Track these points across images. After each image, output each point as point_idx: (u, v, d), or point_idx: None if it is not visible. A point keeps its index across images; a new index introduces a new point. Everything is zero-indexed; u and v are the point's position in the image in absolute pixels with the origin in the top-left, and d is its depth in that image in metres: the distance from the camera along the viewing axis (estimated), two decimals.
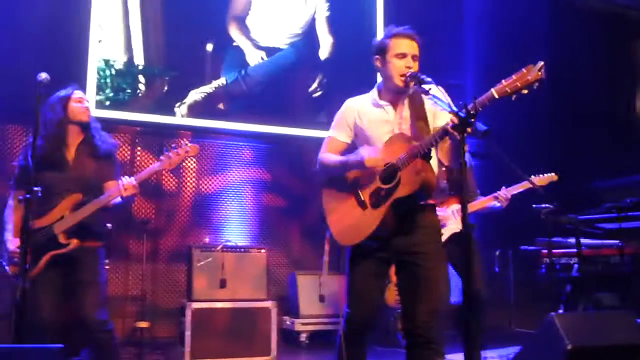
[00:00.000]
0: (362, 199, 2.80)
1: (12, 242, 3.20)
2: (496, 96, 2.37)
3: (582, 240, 4.59)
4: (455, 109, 2.37)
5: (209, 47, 6.03)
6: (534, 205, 4.51)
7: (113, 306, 5.07)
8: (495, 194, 4.31)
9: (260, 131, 6.13)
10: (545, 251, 4.73)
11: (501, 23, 6.98)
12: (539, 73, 2.30)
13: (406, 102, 2.85)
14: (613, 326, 2.66)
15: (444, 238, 4.03)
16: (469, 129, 2.30)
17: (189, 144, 3.34)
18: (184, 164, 5.92)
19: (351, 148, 3.00)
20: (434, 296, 2.74)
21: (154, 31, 5.85)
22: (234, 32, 6.17)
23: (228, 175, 6.16)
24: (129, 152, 5.79)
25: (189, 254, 5.17)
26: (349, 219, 2.84)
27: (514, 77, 2.35)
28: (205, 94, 5.97)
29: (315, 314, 5.60)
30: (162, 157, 3.29)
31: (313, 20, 6.55)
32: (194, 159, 5.98)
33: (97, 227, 3.36)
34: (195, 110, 5.89)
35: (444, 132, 2.52)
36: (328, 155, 2.96)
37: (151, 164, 3.29)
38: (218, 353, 4.81)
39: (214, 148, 6.14)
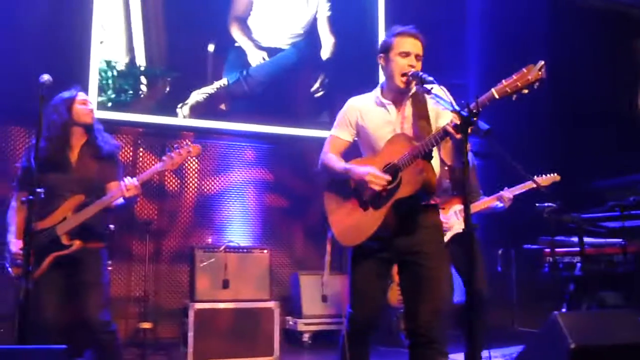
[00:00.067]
0: (364, 199, 2.80)
1: (15, 244, 3.20)
2: (497, 96, 2.37)
3: (585, 239, 4.58)
4: (457, 108, 2.37)
5: (211, 47, 6.03)
6: (536, 204, 4.50)
7: (116, 307, 5.07)
8: (498, 195, 4.30)
9: (262, 131, 6.13)
10: (548, 250, 4.73)
11: (503, 22, 6.97)
12: (540, 72, 2.29)
13: (409, 101, 2.85)
14: (616, 325, 2.66)
15: (446, 238, 4.04)
16: (470, 128, 2.30)
17: (191, 144, 3.34)
18: (186, 164, 5.93)
19: (353, 147, 3.00)
20: (436, 296, 2.74)
21: (156, 32, 5.86)
22: (235, 32, 6.17)
23: (230, 176, 6.16)
24: (131, 153, 5.79)
25: (191, 254, 5.18)
26: (350, 220, 2.84)
27: (514, 77, 2.35)
28: (207, 94, 5.97)
29: (317, 314, 5.60)
30: (164, 158, 3.29)
31: (314, 20, 6.56)
32: (196, 160, 5.98)
33: (100, 228, 3.36)
34: (197, 111, 5.90)
35: (444, 132, 2.52)
36: (331, 158, 2.96)
37: (154, 165, 3.29)
38: (221, 353, 4.82)
39: (216, 149, 6.14)
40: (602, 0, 6.98)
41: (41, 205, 2.94)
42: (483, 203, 4.32)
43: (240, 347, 4.90)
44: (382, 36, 6.64)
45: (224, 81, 6.06)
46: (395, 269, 2.92)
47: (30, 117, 3.20)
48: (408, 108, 2.85)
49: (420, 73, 2.67)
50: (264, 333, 5.01)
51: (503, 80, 2.37)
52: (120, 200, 3.25)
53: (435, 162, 2.76)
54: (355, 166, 2.83)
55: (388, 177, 2.70)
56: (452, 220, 4.20)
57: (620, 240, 4.55)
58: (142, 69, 5.76)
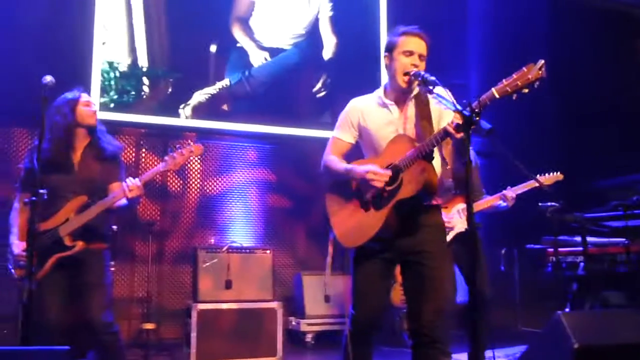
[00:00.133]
0: (365, 200, 2.80)
1: (18, 246, 3.20)
2: (497, 95, 2.37)
3: (588, 239, 4.58)
4: (459, 107, 2.37)
5: (213, 48, 6.04)
6: (539, 204, 4.49)
7: (119, 308, 5.08)
8: (501, 194, 4.30)
9: (264, 132, 6.13)
10: (551, 250, 4.72)
11: (504, 23, 6.96)
12: (540, 72, 2.29)
13: (411, 102, 2.85)
14: (620, 324, 2.65)
15: (449, 237, 4.04)
16: (473, 128, 2.30)
17: (193, 144, 3.34)
18: (188, 165, 5.93)
19: (355, 148, 3.00)
20: (439, 295, 2.73)
21: (158, 33, 5.87)
22: (237, 33, 6.17)
23: (233, 176, 6.17)
24: (133, 154, 5.80)
25: (194, 255, 5.18)
26: (352, 221, 2.84)
27: (514, 76, 2.34)
28: (209, 95, 5.97)
29: (321, 315, 5.59)
30: (166, 158, 3.29)
31: (316, 20, 6.55)
32: (198, 160, 5.99)
33: (103, 229, 3.36)
34: (200, 111, 5.90)
35: (445, 133, 2.52)
36: (333, 160, 2.95)
37: (156, 165, 3.29)
38: (224, 354, 4.82)
39: (218, 149, 6.14)
40: (603, 0, 6.97)
41: (44, 207, 2.94)
42: (486, 202, 4.31)
43: (243, 347, 4.90)
44: (384, 36, 6.64)
45: (226, 82, 6.06)
46: (398, 269, 2.91)
47: (33, 118, 3.20)
48: (410, 108, 2.84)
49: (423, 73, 2.67)
50: (266, 333, 5.01)
51: (503, 80, 2.37)
52: (123, 201, 3.25)
53: (437, 163, 2.76)
54: (355, 166, 2.83)
55: (389, 173, 2.70)
56: (455, 219, 4.19)
57: (624, 239, 4.54)
58: (145, 69, 5.77)
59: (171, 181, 5.92)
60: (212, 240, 5.72)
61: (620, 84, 6.46)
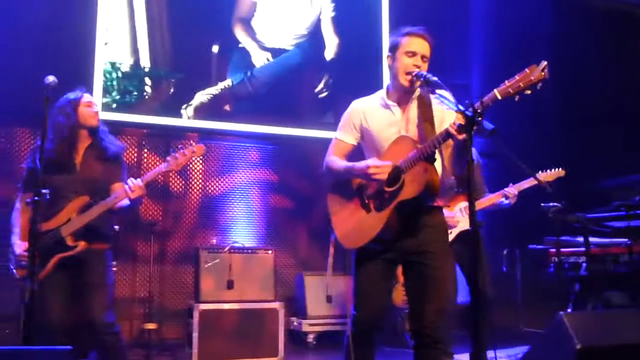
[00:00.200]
0: (366, 201, 2.79)
1: (20, 246, 3.21)
2: (499, 97, 2.36)
3: (591, 239, 4.57)
4: (461, 108, 2.36)
5: (215, 48, 6.04)
6: (542, 204, 4.49)
7: (121, 308, 5.08)
8: (503, 191, 4.29)
9: (266, 132, 6.13)
10: (553, 250, 4.71)
11: (507, 23, 6.96)
12: (542, 73, 2.28)
13: (414, 103, 2.84)
14: (623, 325, 2.64)
15: (451, 237, 4.03)
16: (475, 128, 2.29)
17: (195, 145, 3.34)
18: (190, 165, 5.93)
19: (358, 149, 3.00)
20: (441, 295, 2.73)
21: (160, 33, 5.87)
22: (239, 33, 6.17)
23: (235, 177, 6.17)
24: (136, 154, 5.80)
25: (196, 255, 5.18)
26: (353, 222, 2.83)
27: (516, 77, 2.34)
28: (212, 95, 5.97)
29: (322, 315, 5.59)
30: (168, 158, 3.29)
31: (318, 20, 6.55)
32: (200, 161, 6.00)
33: (105, 229, 3.36)
34: (202, 111, 5.90)
35: (446, 134, 2.51)
36: (334, 160, 2.95)
37: (158, 165, 3.29)
38: (226, 354, 4.82)
39: (220, 149, 6.15)
40: (607, 1, 6.96)
41: (46, 207, 2.94)
42: (488, 200, 4.31)
43: (244, 347, 4.90)
44: (386, 37, 6.64)
45: (228, 82, 6.06)
46: (399, 269, 2.91)
47: (35, 118, 3.21)
48: (413, 110, 2.84)
49: (425, 73, 2.66)
50: (268, 334, 5.01)
51: (506, 81, 2.37)
52: (125, 202, 3.25)
53: (439, 164, 2.76)
54: (355, 163, 2.82)
55: (389, 164, 2.69)
56: (458, 217, 4.19)
57: (626, 239, 4.53)
58: (147, 70, 5.77)
59: (173, 181, 5.92)
60: (214, 241, 5.72)
61: (624, 84, 6.45)
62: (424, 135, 2.74)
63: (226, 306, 4.99)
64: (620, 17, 6.90)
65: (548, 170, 4.44)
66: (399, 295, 5.18)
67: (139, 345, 4.96)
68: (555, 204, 4.42)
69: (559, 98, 6.29)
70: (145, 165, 5.80)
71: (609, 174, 5.80)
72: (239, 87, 6.11)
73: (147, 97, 5.76)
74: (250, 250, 5.37)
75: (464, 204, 4.24)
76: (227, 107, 6.06)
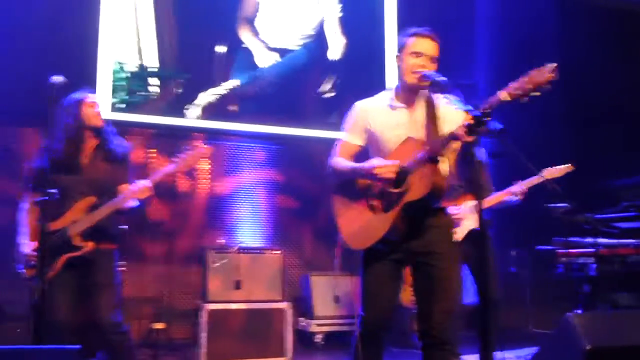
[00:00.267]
0: (372, 203, 2.78)
1: (27, 246, 3.22)
2: (508, 98, 2.35)
3: (599, 240, 4.55)
4: (470, 108, 2.35)
5: (222, 49, 6.04)
6: (550, 205, 4.47)
7: (128, 308, 5.08)
8: (510, 188, 4.27)
9: (272, 132, 6.13)
10: (562, 251, 4.69)
11: (513, 22, 6.93)
12: (551, 74, 2.27)
13: (421, 105, 2.83)
14: (632, 326, 2.63)
15: (460, 236, 4.02)
16: (483, 129, 2.29)
17: (203, 146, 3.35)
18: (197, 165, 5.94)
19: (363, 150, 2.99)
20: (449, 296, 2.72)
21: (167, 34, 5.88)
22: (244, 33, 6.18)
23: (241, 177, 6.17)
24: (142, 155, 5.81)
25: (204, 255, 5.19)
26: (359, 223, 2.82)
27: (525, 78, 2.32)
28: (218, 95, 5.98)
29: (330, 315, 5.59)
30: (175, 159, 3.30)
31: (325, 21, 6.55)
32: (207, 161, 6.00)
33: (112, 229, 3.38)
34: (208, 112, 5.91)
35: (454, 136, 2.50)
36: (339, 161, 2.94)
37: (165, 166, 3.29)
38: (233, 354, 4.82)
39: (226, 150, 6.15)
40: (613, 0, 6.93)
41: (53, 207, 2.95)
42: (495, 197, 4.29)
43: (252, 347, 4.90)
44: (392, 37, 6.63)
45: (234, 82, 6.07)
46: (407, 269, 2.90)
47: (42, 118, 3.21)
48: (419, 111, 2.83)
49: (433, 74, 2.66)
50: (276, 334, 5.01)
51: (514, 82, 2.35)
52: (133, 202, 3.26)
53: (445, 166, 2.75)
54: (361, 163, 2.81)
55: (396, 163, 2.68)
56: (464, 213, 4.16)
57: (635, 240, 4.51)
58: (154, 70, 5.79)
59: (180, 181, 5.93)
60: (223, 241, 5.73)
61: (630, 83, 6.42)
62: (429, 136, 2.73)
63: (234, 306, 4.99)
64: (626, 16, 6.87)
65: (555, 167, 4.42)
66: (407, 296, 5.16)
67: (147, 345, 4.97)
68: (563, 204, 4.40)
69: (565, 98, 6.26)
70: (151, 165, 5.81)
71: (618, 174, 5.77)
72: (245, 88, 6.11)
73: (153, 97, 5.78)
74: (258, 251, 5.37)
75: (470, 203, 4.22)
76: (233, 108, 6.06)
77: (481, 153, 2.33)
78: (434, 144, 2.61)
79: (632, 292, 4.58)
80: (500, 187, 4.41)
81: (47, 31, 5.32)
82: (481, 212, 2.28)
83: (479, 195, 2.31)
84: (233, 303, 5.00)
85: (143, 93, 5.72)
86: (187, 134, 5.97)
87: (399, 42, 2.88)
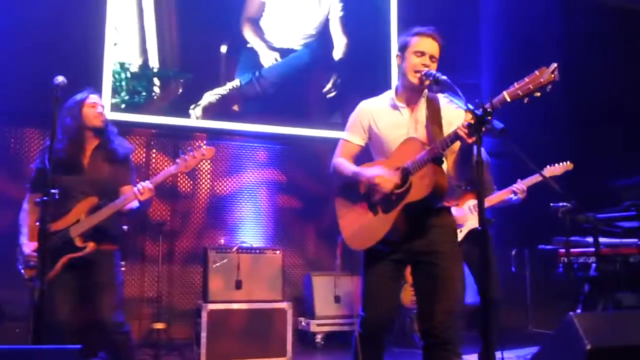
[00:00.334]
0: (373, 203, 2.78)
1: (28, 246, 3.22)
2: (508, 99, 2.35)
3: (601, 239, 4.53)
4: (471, 107, 2.35)
5: (223, 49, 6.05)
6: (551, 204, 4.46)
7: (129, 308, 5.10)
8: (511, 187, 4.28)
9: (274, 132, 6.13)
10: (563, 250, 4.68)
11: (517, 22, 6.93)
12: (552, 75, 2.27)
13: (423, 105, 2.83)
14: (633, 326, 2.62)
15: (461, 236, 4.02)
16: (484, 128, 2.29)
17: (205, 147, 3.35)
18: (198, 166, 5.93)
19: (365, 150, 2.99)
20: (451, 296, 2.72)
21: (169, 34, 5.88)
22: (248, 33, 6.18)
23: (243, 177, 6.18)
24: (144, 155, 5.82)
25: (204, 255, 5.19)
26: (360, 224, 2.82)
27: (526, 79, 2.32)
28: (220, 95, 5.98)
29: (330, 315, 5.59)
30: (178, 160, 3.30)
31: (327, 20, 6.55)
32: (208, 161, 6.00)
33: (114, 230, 3.37)
34: (210, 112, 5.91)
35: (455, 136, 2.50)
36: (342, 163, 2.94)
37: (166, 166, 3.30)
38: (234, 354, 4.83)
39: (228, 150, 6.16)
40: (617, 0, 6.92)
41: (54, 207, 2.95)
42: (497, 196, 4.30)
43: (253, 347, 4.90)
44: (394, 36, 6.63)
45: (236, 82, 6.07)
46: (408, 269, 2.90)
47: (45, 119, 3.22)
48: (421, 111, 2.83)
49: (434, 72, 2.66)
50: (276, 334, 5.01)
51: (515, 83, 2.35)
52: (135, 204, 3.26)
53: (446, 166, 2.74)
54: (364, 169, 2.82)
55: (396, 179, 2.68)
56: (467, 215, 4.17)
57: (636, 240, 4.49)
58: (155, 70, 5.79)
59: (181, 181, 5.94)
60: (222, 241, 5.73)
61: (633, 83, 6.41)
62: (432, 136, 2.73)
63: (234, 306, 4.99)
64: (630, 15, 6.85)
65: (556, 164, 4.43)
66: (408, 296, 5.16)
67: (148, 345, 4.97)
68: (565, 203, 4.39)
69: (568, 97, 6.26)
70: (153, 165, 5.82)
71: (619, 173, 5.76)
72: (248, 87, 6.11)
73: (155, 97, 5.78)
74: (258, 251, 5.37)
75: (472, 202, 4.22)
76: (235, 107, 6.06)
77: (482, 152, 2.32)
78: (437, 144, 2.61)
79: (633, 292, 4.57)
80: (501, 186, 4.41)
81: (50, 32, 5.32)
82: (483, 212, 2.27)
83: (481, 195, 2.30)
84: (233, 303, 5.00)
85: (144, 93, 5.72)
86: (189, 134, 5.98)
87: (400, 41, 2.88)
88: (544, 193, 4.25)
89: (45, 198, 2.83)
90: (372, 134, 2.92)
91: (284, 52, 6.30)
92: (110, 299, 3.26)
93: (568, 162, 4.43)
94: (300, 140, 6.28)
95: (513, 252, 6.15)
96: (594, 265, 4.53)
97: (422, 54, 2.76)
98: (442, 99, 2.83)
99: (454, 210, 2.95)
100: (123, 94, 5.65)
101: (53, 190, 2.85)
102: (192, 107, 5.86)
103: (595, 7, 6.72)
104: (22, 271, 3.23)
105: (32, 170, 3.38)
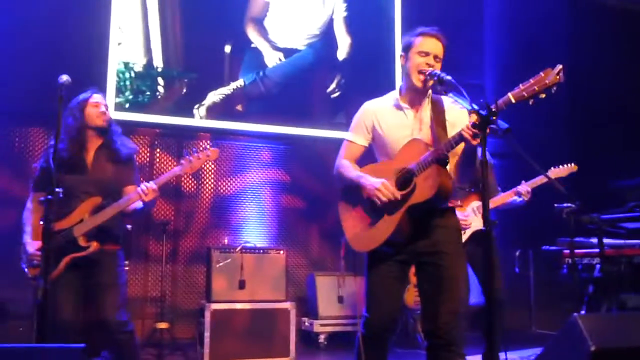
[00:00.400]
0: (377, 205, 2.76)
1: (32, 245, 3.22)
2: (513, 100, 2.34)
3: (605, 240, 4.52)
4: (476, 107, 2.35)
5: (227, 48, 6.05)
6: (555, 205, 4.45)
7: (133, 307, 5.11)
8: (515, 189, 4.26)
9: (278, 132, 6.13)
10: (567, 251, 4.67)
11: (521, 22, 6.92)
12: (557, 77, 2.26)
13: (427, 106, 2.83)
14: (638, 327, 2.61)
15: (465, 236, 4.01)
16: (489, 128, 2.28)
17: (210, 148, 3.35)
18: (202, 166, 5.94)
19: (369, 150, 2.98)
20: (455, 296, 2.71)
21: (173, 34, 5.89)
22: (251, 33, 6.18)
23: (247, 177, 6.18)
24: (148, 154, 5.83)
25: (208, 255, 5.19)
26: (363, 225, 2.81)
27: (531, 81, 2.31)
28: (224, 95, 5.99)
29: (334, 315, 5.59)
30: (182, 161, 3.30)
31: (331, 20, 6.55)
32: (212, 161, 5.99)
33: (117, 230, 3.37)
34: (214, 112, 5.92)
35: (460, 137, 2.49)
36: (345, 166, 2.93)
37: (170, 165, 3.31)
38: (237, 354, 4.83)
39: (232, 149, 6.16)
40: (622, 1, 6.90)
41: (58, 206, 2.95)
42: (501, 198, 4.28)
43: (256, 347, 4.90)
44: (398, 37, 6.62)
45: (240, 82, 6.07)
46: (412, 270, 2.89)
47: (50, 118, 3.22)
48: (425, 113, 2.82)
49: (439, 72, 2.65)
50: (280, 334, 5.01)
51: (520, 85, 2.34)
52: (139, 204, 3.26)
53: (451, 167, 2.74)
54: (366, 176, 2.80)
55: (398, 196, 2.67)
56: (471, 217, 4.17)
57: None
58: (160, 70, 5.80)
59: (185, 181, 5.94)
60: (226, 241, 5.74)
61: (637, 83, 6.39)
62: (436, 137, 2.72)
63: (238, 306, 4.99)
64: (633, 16, 6.84)
65: (560, 166, 4.42)
66: (411, 297, 5.16)
67: (151, 345, 4.97)
68: (569, 204, 4.38)
69: (571, 98, 6.25)
70: (157, 165, 5.82)
71: (624, 174, 5.75)
72: (251, 87, 6.12)
73: (159, 97, 5.79)
74: (261, 250, 5.37)
75: (476, 204, 4.21)
76: (239, 107, 6.07)
77: (486, 153, 2.31)
78: (441, 145, 2.60)
79: (638, 293, 4.55)
80: (506, 188, 4.40)
81: (55, 31, 5.34)
82: (487, 213, 2.27)
83: (486, 197, 2.29)
84: (237, 303, 5.00)
85: (148, 93, 5.73)
86: (193, 133, 5.98)
87: (404, 41, 2.87)
88: (548, 194, 4.24)
89: (49, 197, 2.82)
90: (375, 135, 2.91)
91: (287, 52, 6.30)
92: (114, 298, 3.26)
93: (572, 164, 4.41)
94: (304, 141, 6.28)
95: (517, 253, 6.14)
96: (598, 266, 4.52)
97: (426, 54, 2.75)
98: (446, 99, 2.82)
99: (457, 212, 2.93)
100: (127, 93, 5.65)
101: (57, 190, 2.85)
102: (196, 107, 5.86)
103: (599, 8, 6.71)
104: (26, 270, 3.24)
105: (35, 170, 3.38)
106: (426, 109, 2.82)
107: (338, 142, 3.08)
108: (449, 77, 2.57)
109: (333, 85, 6.47)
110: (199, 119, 5.86)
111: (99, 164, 3.35)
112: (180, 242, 5.84)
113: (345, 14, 6.59)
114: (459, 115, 2.77)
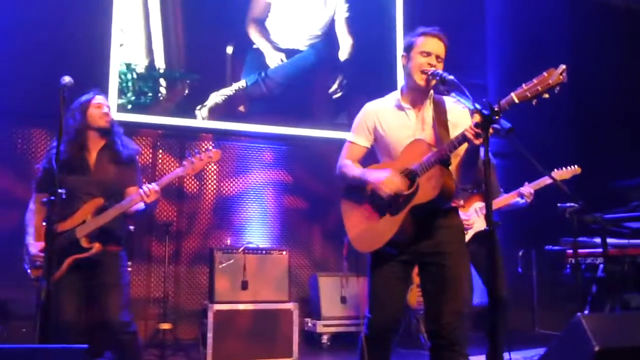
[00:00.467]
0: (380, 205, 2.76)
1: (34, 246, 3.22)
2: (516, 100, 2.34)
3: (608, 240, 4.51)
4: (478, 106, 2.34)
5: (229, 49, 6.05)
6: (558, 205, 4.45)
7: (135, 308, 5.10)
8: (518, 190, 4.26)
9: (280, 133, 6.13)
10: (570, 251, 4.66)
11: (523, 22, 6.92)
12: (561, 77, 2.25)
13: (429, 106, 2.82)
14: None
15: (468, 237, 4.00)
16: (492, 128, 2.28)
17: (212, 149, 3.35)
18: (205, 167, 5.94)
19: (371, 151, 2.98)
20: (458, 296, 2.70)
21: (175, 34, 5.89)
22: (253, 34, 6.18)
23: (249, 177, 6.18)
24: (150, 156, 5.83)
25: (210, 255, 5.19)
26: (366, 226, 2.81)
27: (534, 81, 2.31)
28: (226, 96, 5.99)
29: (337, 316, 5.58)
30: (184, 163, 3.30)
31: (332, 21, 6.55)
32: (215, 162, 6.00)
33: (119, 231, 3.37)
34: (216, 112, 5.92)
35: (463, 138, 2.49)
36: (347, 165, 2.93)
37: (173, 166, 3.31)
38: (240, 355, 4.82)
39: (234, 150, 6.16)
40: (624, 0, 6.89)
41: (61, 207, 2.95)
42: (503, 199, 4.28)
43: (259, 348, 4.90)
44: (400, 37, 6.62)
45: (242, 83, 6.07)
46: (415, 270, 2.88)
47: (52, 119, 3.22)
48: (427, 113, 2.81)
49: (441, 72, 2.64)
50: (282, 334, 5.00)
51: (523, 84, 2.34)
52: (141, 206, 3.26)
53: (454, 167, 2.73)
54: (370, 171, 2.80)
55: (403, 186, 2.66)
56: (473, 217, 4.16)
57: None
58: (162, 71, 5.80)
59: (188, 182, 5.94)
60: (229, 241, 5.74)
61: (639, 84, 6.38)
62: (438, 138, 2.71)
63: (240, 307, 4.99)
64: (637, 16, 6.82)
65: (563, 168, 4.41)
66: (414, 297, 5.15)
67: (154, 345, 4.97)
68: (572, 204, 4.37)
69: (574, 98, 6.24)
70: (160, 166, 5.82)
71: (627, 174, 5.74)
72: (253, 88, 6.12)
73: (162, 98, 5.79)
74: (264, 251, 5.37)
75: (479, 205, 4.21)
76: (241, 108, 6.07)
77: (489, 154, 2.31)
78: (444, 146, 2.59)
79: None
80: (509, 189, 4.40)
81: (57, 33, 5.34)
82: (490, 212, 2.26)
83: (489, 197, 2.29)
84: (240, 303, 5.00)
85: (150, 94, 5.73)
86: (195, 134, 5.99)
87: (406, 41, 2.86)
88: (551, 194, 4.24)
89: (52, 198, 2.82)
90: (377, 136, 2.90)
91: (289, 53, 6.30)
92: (117, 299, 3.26)
93: (576, 167, 4.40)
94: (306, 141, 6.28)
95: (520, 253, 6.13)
96: (601, 266, 4.52)
97: (428, 54, 2.74)
98: (448, 100, 2.81)
99: (460, 213, 2.93)
100: (129, 94, 5.66)
101: (60, 190, 2.85)
102: (198, 107, 5.86)
103: (601, 7, 6.70)
104: (29, 271, 3.24)
105: (38, 171, 3.39)
106: (428, 109, 2.82)
107: (340, 143, 3.07)
108: (451, 77, 2.57)
109: (335, 86, 6.47)
110: (201, 120, 5.86)
111: (102, 165, 3.35)
112: (183, 243, 5.84)
113: (346, 14, 6.59)
114: (461, 115, 2.77)
